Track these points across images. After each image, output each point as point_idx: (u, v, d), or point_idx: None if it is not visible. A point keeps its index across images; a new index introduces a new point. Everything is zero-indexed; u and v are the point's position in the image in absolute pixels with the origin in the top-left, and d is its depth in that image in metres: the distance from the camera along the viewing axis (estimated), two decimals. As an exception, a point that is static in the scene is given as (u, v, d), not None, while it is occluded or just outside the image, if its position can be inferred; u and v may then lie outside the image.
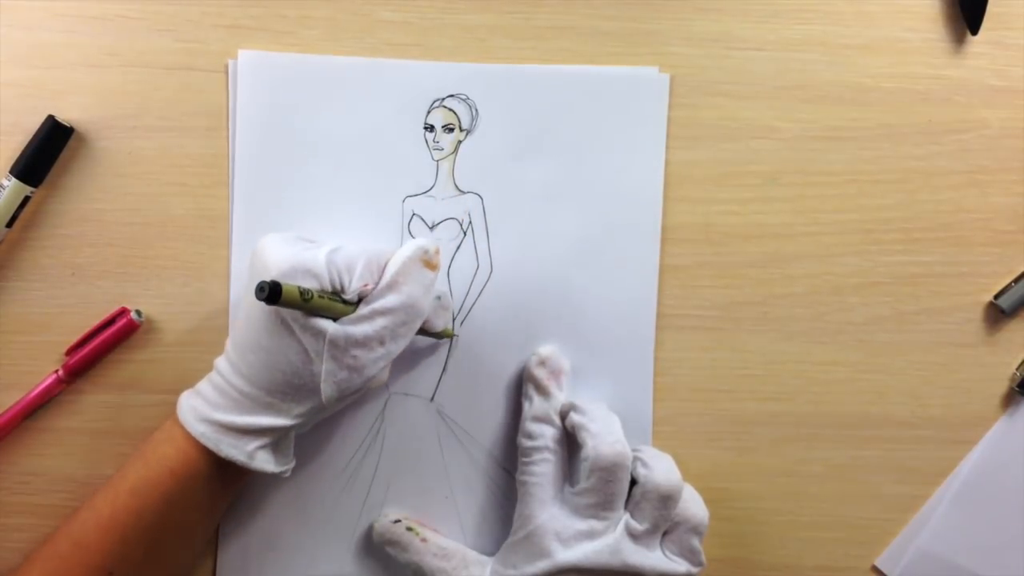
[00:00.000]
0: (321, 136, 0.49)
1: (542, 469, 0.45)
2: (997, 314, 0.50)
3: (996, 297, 0.50)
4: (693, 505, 0.45)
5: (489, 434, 0.49)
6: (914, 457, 0.51)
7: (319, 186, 0.49)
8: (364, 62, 0.49)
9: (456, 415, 0.49)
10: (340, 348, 0.40)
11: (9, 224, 0.47)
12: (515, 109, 0.49)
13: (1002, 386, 0.51)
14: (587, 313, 0.49)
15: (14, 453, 0.49)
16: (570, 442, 0.46)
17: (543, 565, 0.43)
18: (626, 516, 0.44)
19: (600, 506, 0.43)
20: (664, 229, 0.50)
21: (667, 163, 0.49)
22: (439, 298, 0.47)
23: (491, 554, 0.47)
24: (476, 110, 0.49)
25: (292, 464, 0.45)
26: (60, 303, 0.48)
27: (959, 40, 0.50)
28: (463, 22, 0.49)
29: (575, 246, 0.49)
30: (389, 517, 0.48)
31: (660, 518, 0.44)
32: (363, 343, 0.41)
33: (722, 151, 0.50)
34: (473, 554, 0.47)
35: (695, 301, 0.50)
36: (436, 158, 0.49)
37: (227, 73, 0.48)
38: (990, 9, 0.50)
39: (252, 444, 0.42)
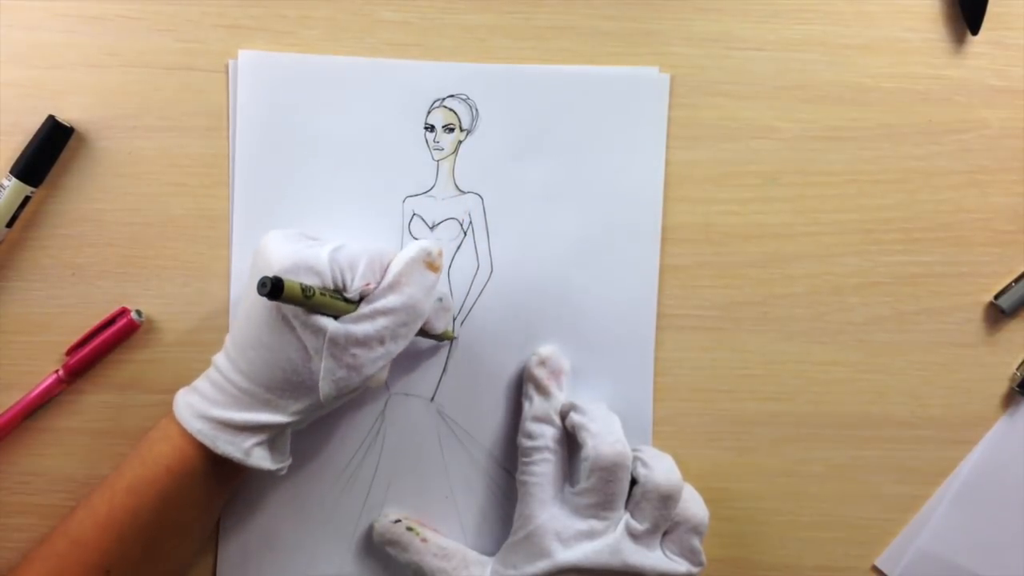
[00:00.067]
0: (321, 136, 0.49)
1: (542, 469, 0.45)
2: (997, 314, 0.50)
3: (996, 297, 0.50)
4: (693, 505, 0.45)
5: (489, 434, 0.49)
6: (914, 457, 0.51)
7: (319, 186, 0.49)
8: (364, 62, 0.49)
9: (456, 415, 0.49)
10: (340, 346, 0.40)
11: (9, 224, 0.47)
12: (515, 109, 0.49)
13: (1002, 386, 0.51)
14: (587, 313, 0.49)
15: (14, 453, 0.49)
16: (570, 442, 0.46)
17: (543, 565, 0.43)
18: (626, 516, 0.44)
19: (600, 506, 0.43)
20: (664, 229, 0.50)
21: (667, 163, 0.49)
22: (440, 300, 0.47)
23: (491, 554, 0.47)
24: (476, 110, 0.49)
25: (288, 462, 0.45)
26: (60, 303, 0.48)
27: (959, 40, 0.50)
28: (463, 22, 0.49)
29: (575, 246, 0.49)
30: (389, 517, 0.48)
31: (660, 518, 0.44)
32: (363, 342, 0.41)
33: (722, 151, 0.50)
34: (473, 554, 0.47)
35: (695, 301, 0.50)
36: (436, 158, 0.49)
37: (227, 73, 0.48)
38: (990, 9, 0.50)
39: (249, 441, 0.42)
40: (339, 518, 0.49)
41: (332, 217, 0.49)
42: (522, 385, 0.48)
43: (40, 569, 0.41)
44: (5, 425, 0.47)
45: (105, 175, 0.48)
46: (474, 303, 0.49)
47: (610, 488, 0.43)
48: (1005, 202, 0.50)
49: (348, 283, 0.41)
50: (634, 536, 0.43)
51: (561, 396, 0.47)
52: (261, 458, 0.42)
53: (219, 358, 0.43)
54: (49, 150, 0.47)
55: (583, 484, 0.44)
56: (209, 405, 0.42)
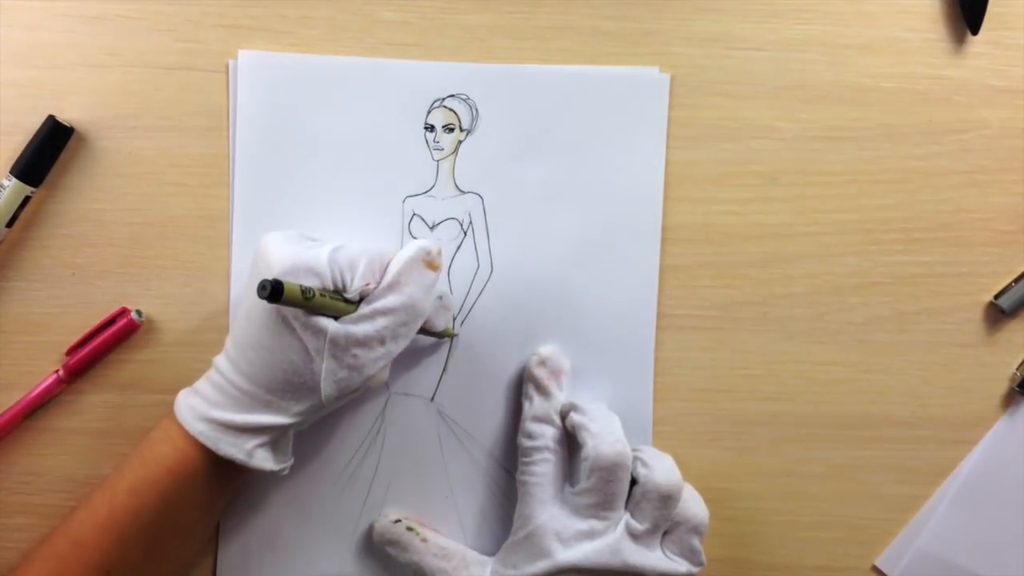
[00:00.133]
0: (321, 136, 0.49)
1: (542, 469, 0.45)
2: (997, 314, 0.50)
3: (996, 297, 0.50)
4: (693, 505, 0.45)
5: (489, 434, 0.49)
6: (914, 457, 0.51)
7: (319, 186, 0.49)
8: (364, 62, 0.49)
9: (456, 415, 0.49)
10: (341, 347, 0.40)
11: (9, 224, 0.47)
12: (515, 109, 0.49)
13: (1002, 386, 0.51)
14: (587, 313, 0.49)
15: (14, 453, 0.49)
16: (570, 442, 0.46)
17: (543, 565, 0.43)
18: (626, 516, 0.44)
19: (600, 506, 0.43)
20: (664, 229, 0.50)
21: (667, 163, 0.49)
22: (441, 298, 0.47)
23: (491, 554, 0.47)
24: (476, 110, 0.49)
25: (290, 462, 0.45)
26: (60, 303, 0.48)
27: (959, 40, 0.50)
28: (463, 22, 0.49)
29: (575, 246, 0.49)
30: (389, 517, 0.48)
31: (660, 518, 0.44)
32: (364, 342, 0.41)
33: (722, 151, 0.50)
34: (473, 554, 0.47)
35: (695, 301, 0.50)
36: (436, 158, 0.49)
37: (227, 73, 0.48)
38: (990, 9, 0.50)
39: (251, 442, 0.42)
40: (339, 518, 0.49)
41: (332, 217, 0.49)
42: (522, 385, 0.48)
43: (40, 569, 0.41)
44: (5, 425, 0.47)
45: (105, 175, 0.48)
46: (474, 303, 0.49)
47: (610, 488, 0.43)
48: (1005, 202, 0.50)
49: (348, 283, 0.41)
50: (634, 536, 0.43)
51: (561, 396, 0.47)
52: (264, 459, 0.42)
53: (220, 359, 0.43)
54: (49, 150, 0.47)
55: (583, 484, 0.44)
56: (210, 407, 0.42)
